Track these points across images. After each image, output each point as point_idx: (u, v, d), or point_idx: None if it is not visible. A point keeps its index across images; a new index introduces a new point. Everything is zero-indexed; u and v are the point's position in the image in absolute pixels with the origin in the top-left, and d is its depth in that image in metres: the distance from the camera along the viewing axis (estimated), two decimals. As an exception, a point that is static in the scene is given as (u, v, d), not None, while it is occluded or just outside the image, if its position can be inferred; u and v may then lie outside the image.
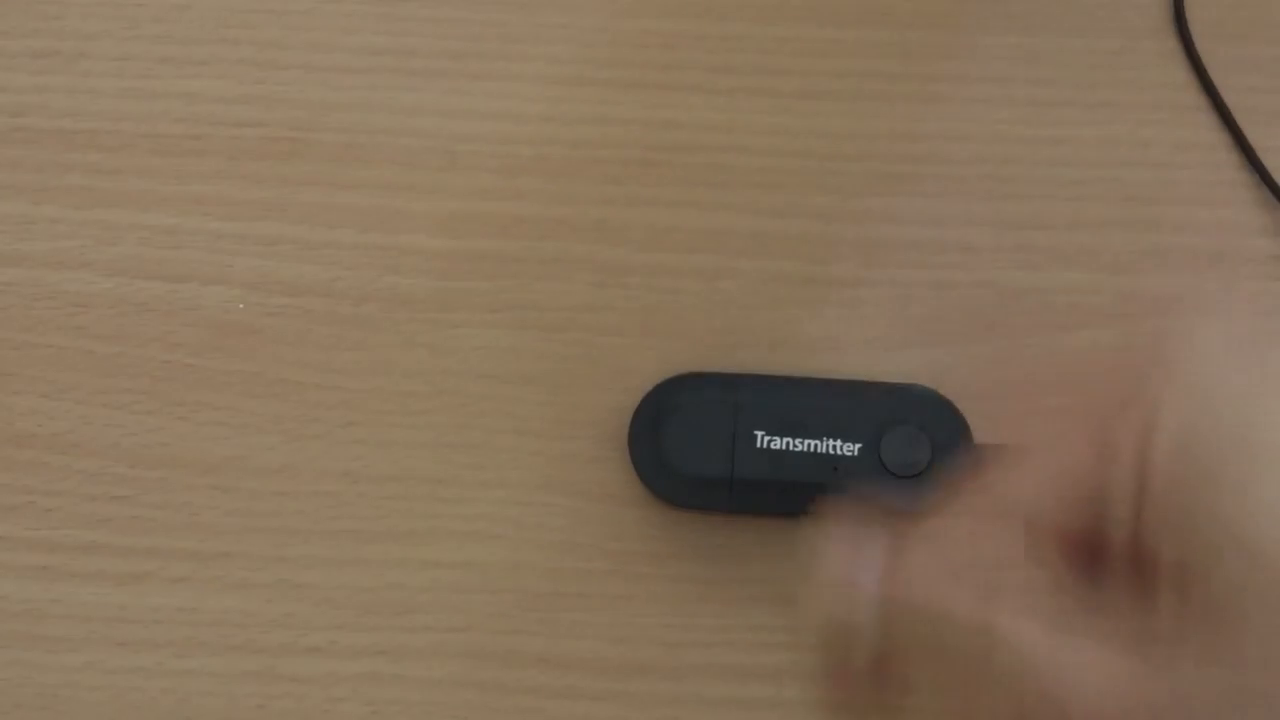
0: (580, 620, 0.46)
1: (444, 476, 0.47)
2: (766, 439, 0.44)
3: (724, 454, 0.44)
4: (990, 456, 0.30)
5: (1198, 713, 0.26)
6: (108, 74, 0.50)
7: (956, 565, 0.30)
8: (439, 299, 0.48)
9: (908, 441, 0.44)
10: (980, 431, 0.46)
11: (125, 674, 0.46)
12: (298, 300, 0.48)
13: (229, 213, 0.49)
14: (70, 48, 0.50)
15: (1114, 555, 0.28)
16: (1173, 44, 0.50)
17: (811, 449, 0.44)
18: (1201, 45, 0.49)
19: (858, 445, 0.44)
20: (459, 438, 0.47)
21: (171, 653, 0.46)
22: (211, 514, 0.47)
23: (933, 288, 0.48)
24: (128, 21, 0.50)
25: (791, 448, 0.44)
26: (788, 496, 0.44)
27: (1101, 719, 0.26)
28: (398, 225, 0.49)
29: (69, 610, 0.46)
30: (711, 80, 0.50)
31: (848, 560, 0.31)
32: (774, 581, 0.46)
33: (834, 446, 0.44)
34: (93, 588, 0.46)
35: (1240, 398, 0.27)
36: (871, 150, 0.49)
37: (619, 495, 0.47)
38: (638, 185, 0.49)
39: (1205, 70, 0.49)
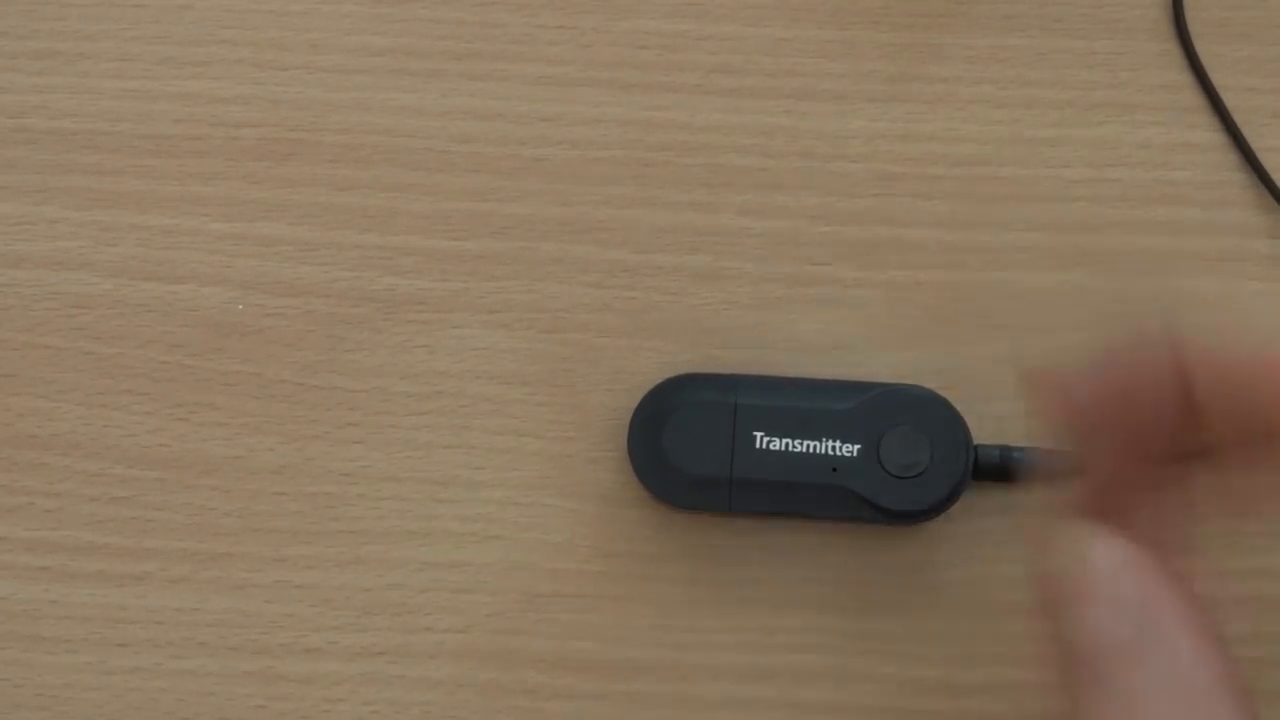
0: (579, 620, 0.46)
1: (443, 477, 0.47)
2: (766, 439, 0.44)
3: (723, 454, 0.44)
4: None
5: None
6: (108, 74, 0.50)
7: None
8: (438, 299, 0.48)
9: (907, 442, 0.44)
10: (980, 432, 0.46)
11: (124, 674, 0.46)
12: (297, 300, 0.48)
13: (228, 213, 0.49)
14: (70, 48, 0.50)
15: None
16: (1171, 44, 0.50)
17: (811, 449, 0.44)
18: (1200, 45, 0.49)
19: (857, 446, 0.44)
20: (458, 438, 0.47)
21: (171, 653, 0.46)
22: (211, 514, 0.47)
23: (932, 288, 0.48)
24: (128, 22, 0.50)
25: (791, 448, 0.44)
26: (787, 497, 0.44)
27: None
28: (397, 225, 0.49)
29: (68, 611, 0.46)
30: (711, 80, 0.50)
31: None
32: (774, 582, 0.46)
33: (833, 447, 0.44)
34: (92, 588, 0.46)
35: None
36: (871, 150, 0.49)
37: (618, 496, 0.47)
38: (637, 185, 0.49)
39: (1204, 71, 0.49)
